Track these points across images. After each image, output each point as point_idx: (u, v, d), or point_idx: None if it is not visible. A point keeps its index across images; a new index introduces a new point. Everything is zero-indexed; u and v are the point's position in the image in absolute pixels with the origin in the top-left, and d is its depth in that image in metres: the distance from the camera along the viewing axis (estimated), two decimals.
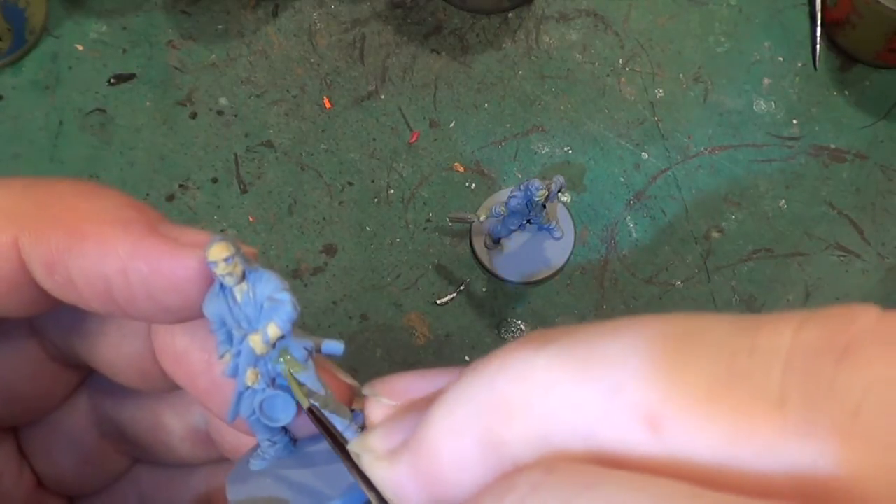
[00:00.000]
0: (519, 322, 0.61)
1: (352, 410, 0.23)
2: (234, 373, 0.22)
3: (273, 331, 0.21)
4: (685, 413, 0.13)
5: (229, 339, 0.22)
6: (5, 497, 0.26)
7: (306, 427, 0.23)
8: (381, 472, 0.17)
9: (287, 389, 0.22)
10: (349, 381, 0.24)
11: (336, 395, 0.23)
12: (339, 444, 0.20)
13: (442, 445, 0.16)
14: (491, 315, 0.61)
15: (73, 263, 0.21)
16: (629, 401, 0.14)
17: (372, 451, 0.18)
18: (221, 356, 0.22)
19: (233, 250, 0.21)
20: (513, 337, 0.60)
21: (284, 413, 0.23)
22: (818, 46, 0.67)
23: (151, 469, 0.29)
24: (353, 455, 0.18)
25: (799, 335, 0.13)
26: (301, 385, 0.22)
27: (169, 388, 0.25)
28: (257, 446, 0.24)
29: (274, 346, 0.22)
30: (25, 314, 0.23)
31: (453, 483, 0.16)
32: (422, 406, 0.18)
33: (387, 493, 0.17)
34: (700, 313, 0.15)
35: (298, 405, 0.23)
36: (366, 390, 0.20)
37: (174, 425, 0.27)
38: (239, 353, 0.22)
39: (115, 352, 0.25)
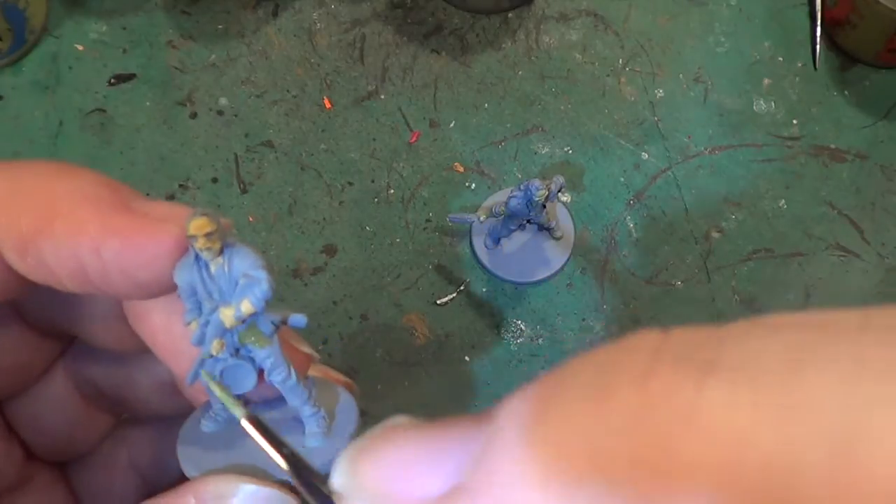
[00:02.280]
0: (519, 322, 0.61)
1: (306, 378, 0.23)
2: (200, 342, 0.22)
3: (246, 307, 0.21)
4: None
5: (198, 307, 0.22)
6: None
7: (262, 394, 0.24)
8: None
9: (249, 360, 0.23)
10: (306, 349, 0.24)
11: (294, 364, 0.23)
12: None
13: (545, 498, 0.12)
14: (491, 315, 0.61)
15: (44, 245, 0.21)
16: (866, 470, 0.10)
17: (363, 490, 0.15)
18: (188, 323, 0.22)
19: (214, 226, 0.21)
20: (512, 336, 0.60)
21: (245, 382, 0.23)
22: (818, 46, 0.67)
23: (139, 427, 0.30)
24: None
25: None
26: (237, 400, 0.22)
27: (141, 348, 0.25)
28: (209, 406, 0.24)
29: (244, 321, 0.22)
30: (2, 298, 0.23)
31: None
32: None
33: None
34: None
35: (259, 373, 0.23)
36: (334, 484, 0.17)
37: (143, 380, 0.28)
38: (207, 324, 0.22)
39: (89, 317, 0.25)
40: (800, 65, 0.68)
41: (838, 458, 0.10)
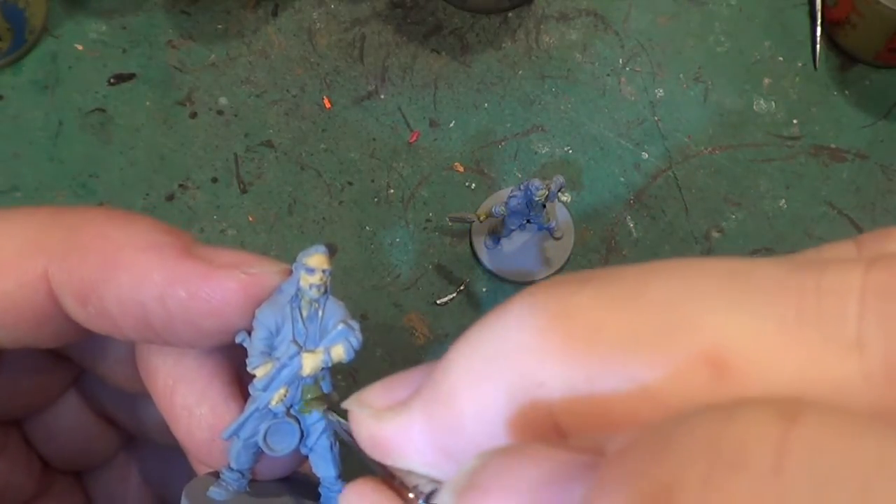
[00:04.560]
0: None
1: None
2: (266, 387, 0.21)
3: (337, 353, 0.21)
4: (753, 354, 0.12)
5: (268, 353, 0.21)
6: (18, 489, 0.26)
7: (271, 471, 0.23)
8: (380, 427, 0.16)
9: (296, 420, 0.22)
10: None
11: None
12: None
13: (463, 390, 0.14)
14: None
15: (107, 293, 0.20)
16: (688, 341, 0.13)
17: (368, 407, 0.17)
18: (254, 368, 0.21)
19: (330, 264, 0.20)
20: None
21: (287, 443, 0.22)
22: (818, 46, 0.67)
23: (150, 445, 0.30)
24: (348, 412, 0.17)
25: (870, 275, 0.12)
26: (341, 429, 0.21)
27: (147, 393, 0.25)
28: (214, 474, 0.23)
29: (322, 370, 0.21)
30: (54, 345, 0.23)
31: (472, 432, 0.14)
32: (419, 374, 0.17)
33: (381, 450, 0.16)
34: (735, 257, 0.14)
35: (301, 437, 0.22)
36: (347, 404, 0.18)
37: (148, 419, 0.28)
38: (282, 368, 0.21)
39: (101, 355, 0.25)
40: (800, 65, 0.68)
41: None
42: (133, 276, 0.20)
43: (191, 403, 0.23)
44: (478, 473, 0.13)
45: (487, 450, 0.14)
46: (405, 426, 0.16)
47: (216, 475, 0.23)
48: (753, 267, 0.13)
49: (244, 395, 0.23)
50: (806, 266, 0.13)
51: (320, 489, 0.23)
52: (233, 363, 0.24)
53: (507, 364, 0.14)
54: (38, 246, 0.21)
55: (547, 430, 0.14)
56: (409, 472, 0.16)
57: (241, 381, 0.24)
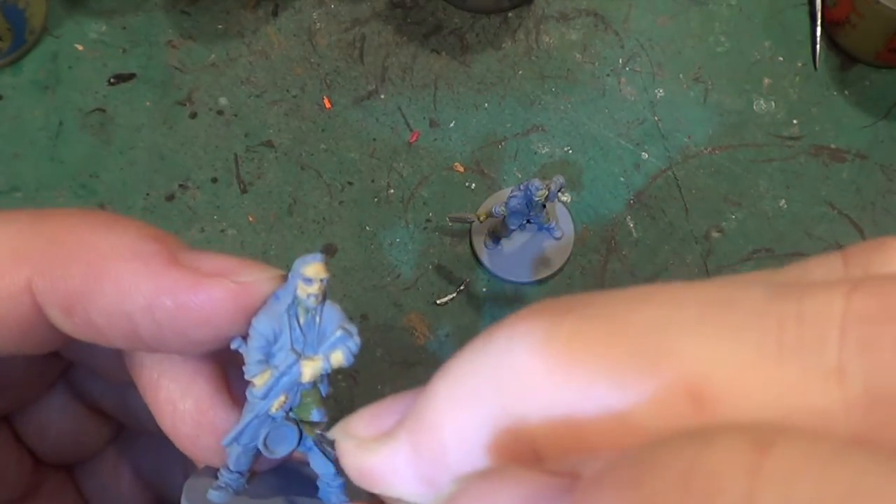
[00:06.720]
0: None
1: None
2: (265, 395, 0.21)
3: (337, 359, 0.21)
4: (732, 384, 0.12)
5: (265, 361, 0.21)
6: (9, 486, 0.26)
7: (268, 461, 0.23)
8: (366, 458, 0.16)
9: (294, 422, 0.22)
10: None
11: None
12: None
13: (446, 420, 0.15)
14: (491, 315, 0.61)
15: (92, 305, 0.20)
16: (667, 370, 0.13)
17: (354, 438, 0.17)
18: (252, 376, 0.21)
19: (328, 273, 0.20)
20: None
21: (286, 445, 0.22)
22: (818, 46, 0.67)
23: (142, 436, 0.30)
24: (335, 441, 0.17)
25: (852, 301, 0.12)
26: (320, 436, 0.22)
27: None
28: (209, 472, 0.23)
29: (321, 375, 0.21)
30: (39, 352, 0.23)
31: (455, 461, 0.15)
32: (406, 399, 0.17)
33: (368, 480, 0.16)
34: (724, 279, 0.14)
35: (299, 438, 0.22)
36: (333, 434, 0.18)
37: (140, 406, 0.27)
38: (281, 376, 0.21)
39: (88, 348, 0.25)
40: (800, 65, 0.68)
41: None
42: (118, 287, 0.20)
43: (175, 398, 0.23)
44: (455, 499, 0.13)
45: (465, 474, 0.14)
46: (390, 457, 0.16)
47: (214, 473, 0.23)
48: (735, 293, 0.13)
49: (229, 391, 0.23)
50: (787, 291, 0.13)
51: (318, 483, 0.23)
52: (218, 358, 0.24)
53: (489, 394, 0.14)
54: (21, 256, 0.20)
55: (528, 457, 0.14)
56: (398, 500, 0.16)
57: (226, 377, 0.24)
